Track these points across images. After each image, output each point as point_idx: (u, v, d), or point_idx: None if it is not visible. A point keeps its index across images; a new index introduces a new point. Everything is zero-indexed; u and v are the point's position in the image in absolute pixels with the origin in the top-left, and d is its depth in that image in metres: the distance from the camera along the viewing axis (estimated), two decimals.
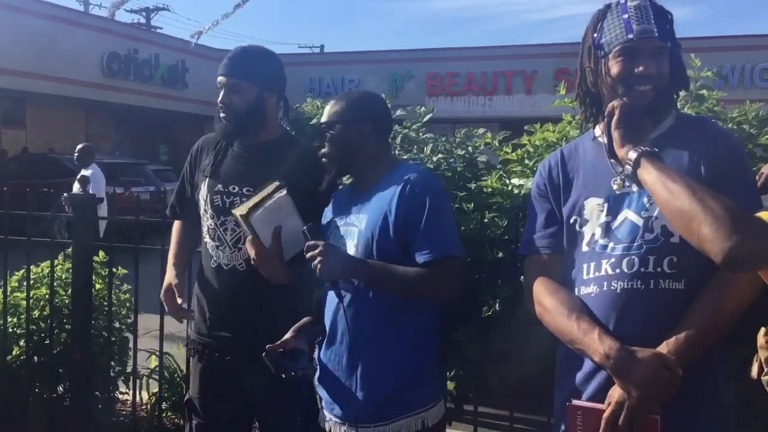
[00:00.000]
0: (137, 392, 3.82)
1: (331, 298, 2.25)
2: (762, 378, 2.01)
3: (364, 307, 2.17)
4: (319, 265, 2.12)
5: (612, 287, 1.83)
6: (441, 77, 24.39)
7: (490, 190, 2.92)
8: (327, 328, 2.28)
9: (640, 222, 1.84)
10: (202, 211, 2.66)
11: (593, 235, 1.90)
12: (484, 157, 3.33)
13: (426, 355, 2.22)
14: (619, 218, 1.88)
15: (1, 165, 16.06)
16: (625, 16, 1.89)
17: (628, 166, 1.73)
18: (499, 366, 2.75)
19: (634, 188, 1.87)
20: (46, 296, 3.84)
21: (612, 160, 1.87)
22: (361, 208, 2.26)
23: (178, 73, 23.20)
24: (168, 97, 22.83)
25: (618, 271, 1.83)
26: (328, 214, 2.40)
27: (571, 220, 1.96)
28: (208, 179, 2.64)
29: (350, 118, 2.28)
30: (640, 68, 1.88)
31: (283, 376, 2.22)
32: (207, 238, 2.65)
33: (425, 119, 3.33)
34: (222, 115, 2.60)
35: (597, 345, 1.77)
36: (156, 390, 3.94)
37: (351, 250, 2.21)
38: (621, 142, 1.77)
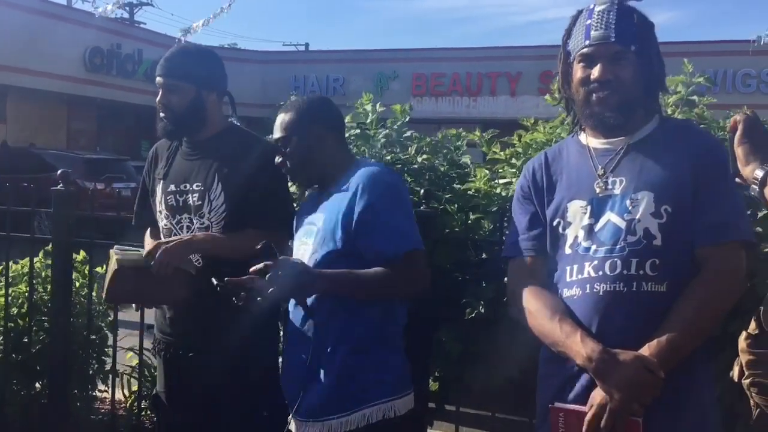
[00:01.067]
0: (116, 390, 3.78)
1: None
2: (743, 381, 2.02)
3: (322, 301, 2.16)
4: (274, 292, 1.98)
5: (594, 290, 1.84)
6: (426, 77, 24.45)
7: (474, 192, 2.91)
8: (288, 328, 2.29)
9: (622, 224, 1.85)
10: (157, 214, 2.70)
11: (576, 237, 1.91)
12: (468, 157, 3.32)
13: (389, 345, 2.20)
14: (602, 221, 1.88)
15: None
16: (588, 21, 1.92)
17: (754, 186, 1.61)
18: (482, 367, 2.76)
19: (617, 191, 1.88)
20: (25, 293, 3.79)
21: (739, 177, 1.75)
22: (320, 207, 2.26)
23: None
24: (151, 93, 22.19)
25: (600, 273, 1.84)
26: (298, 216, 2.43)
27: (554, 223, 1.96)
28: (162, 182, 2.68)
29: (304, 127, 2.27)
30: (594, 74, 1.91)
31: (234, 300, 2.07)
32: (163, 239, 2.65)
33: (406, 119, 3.32)
34: (161, 115, 2.63)
35: (579, 347, 1.78)
36: (135, 388, 3.91)
37: (309, 248, 2.21)
38: (745, 160, 1.62)
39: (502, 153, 3.01)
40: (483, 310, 2.65)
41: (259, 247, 2.05)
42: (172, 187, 2.64)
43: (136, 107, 22.48)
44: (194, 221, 2.59)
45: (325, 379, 2.15)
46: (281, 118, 2.31)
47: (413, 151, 3.13)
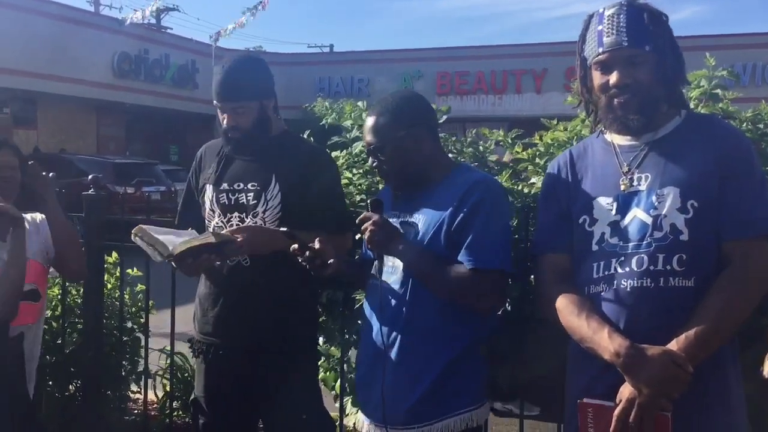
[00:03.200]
0: (148, 391, 3.83)
1: (375, 301, 2.24)
2: None
3: (414, 310, 2.14)
4: (368, 234, 2.11)
5: (622, 285, 1.85)
6: (450, 76, 24.38)
7: None
8: (367, 333, 2.27)
9: (649, 220, 1.85)
10: (207, 212, 2.68)
11: (603, 234, 1.92)
12: (495, 156, 3.32)
13: (474, 355, 2.18)
14: (628, 217, 1.89)
15: None
16: (599, 27, 1.93)
17: None
18: (509, 365, 2.75)
19: (642, 187, 1.88)
20: (58, 296, 3.86)
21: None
22: (417, 207, 2.20)
23: (188, 73, 23.28)
24: (178, 98, 22.90)
25: (628, 269, 1.85)
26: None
27: (581, 220, 1.97)
28: (214, 179, 2.67)
29: (401, 130, 2.18)
30: (612, 80, 1.92)
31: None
32: None
33: (442, 120, 3.32)
34: (229, 135, 2.61)
35: (607, 343, 1.79)
36: (168, 389, 3.96)
37: None
38: None
39: (524, 153, 3.00)
40: (509, 308, 2.65)
41: (369, 200, 2.24)
42: (225, 186, 2.64)
43: (165, 111, 22.74)
44: (246, 220, 2.59)
45: (418, 389, 2.13)
46: (373, 121, 2.22)
47: None
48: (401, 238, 2.13)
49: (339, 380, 3.20)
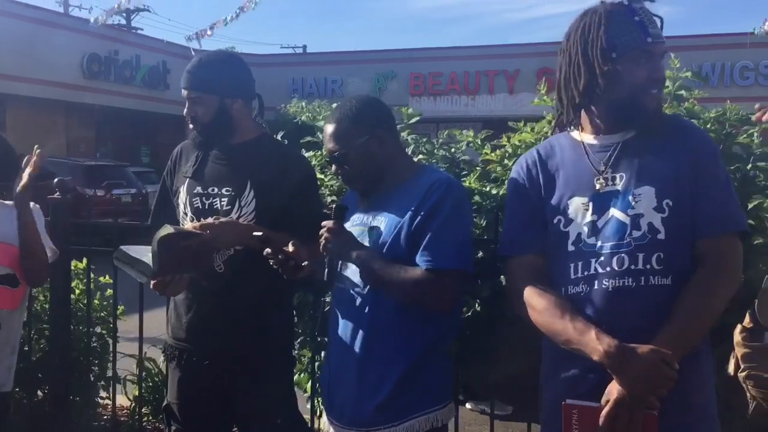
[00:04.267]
0: (118, 397, 3.79)
1: (340, 302, 2.24)
2: (739, 374, 2.03)
3: (377, 310, 2.14)
4: (322, 241, 2.13)
5: (603, 285, 1.84)
6: (424, 77, 24.44)
7: (468, 190, 2.92)
8: (334, 334, 2.26)
9: (627, 220, 1.86)
10: (181, 215, 2.64)
11: (579, 234, 1.91)
12: (467, 157, 3.33)
13: (438, 355, 2.18)
14: (605, 217, 1.89)
15: None
16: (636, 18, 1.89)
17: None
18: (480, 365, 2.76)
19: (618, 186, 1.88)
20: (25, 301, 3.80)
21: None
22: (380, 209, 2.20)
23: (159, 74, 23.09)
24: (149, 99, 22.71)
25: (608, 269, 1.84)
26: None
27: (555, 220, 1.96)
28: (187, 182, 2.64)
29: (363, 135, 2.19)
30: (658, 73, 1.90)
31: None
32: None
33: (411, 121, 3.32)
34: (191, 126, 2.62)
35: (595, 344, 1.78)
36: (136, 393, 3.92)
37: None
38: None
39: (493, 154, 3.01)
40: (479, 309, 2.66)
41: (333, 206, 2.24)
42: (199, 189, 2.60)
43: (135, 113, 22.52)
44: None
45: (382, 390, 2.12)
46: (333, 128, 2.22)
47: (409, 151, 3.13)
48: (356, 245, 2.14)
49: (310, 382, 3.19)
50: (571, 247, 1.92)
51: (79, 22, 21.08)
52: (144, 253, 2.39)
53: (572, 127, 2.05)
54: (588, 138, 1.99)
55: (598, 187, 1.91)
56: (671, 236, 1.84)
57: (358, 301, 2.17)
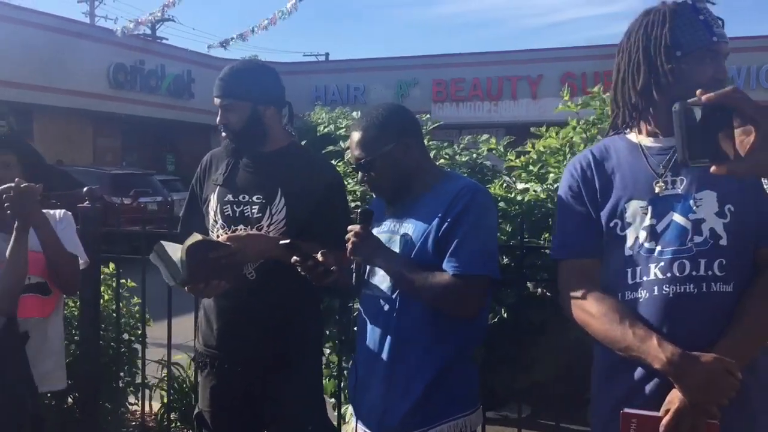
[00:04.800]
0: (146, 403, 3.83)
1: (368, 308, 2.25)
2: None
3: (405, 317, 2.15)
4: (350, 246, 2.14)
5: (664, 291, 1.80)
6: (446, 83, 24.41)
7: (494, 196, 2.93)
8: (362, 341, 2.27)
9: (688, 225, 1.81)
10: (211, 223, 2.65)
11: (637, 238, 1.86)
12: (489, 163, 3.34)
13: (465, 360, 2.19)
14: (665, 221, 1.84)
15: None
16: (701, 17, 1.86)
17: None
18: (504, 372, 2.76)
19: (679, 190, 1.84)
20: None
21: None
22: (407, 216, 2.21)
23: (183, 83, 23.30)
24: (174, 107, 22.91)
25: (669, 275, 1.80)
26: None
27: (612, 224, 1.91)
28: (218, 189, 2.64)
29: (390, 142, 2.20)
30: (722, 73, 1.87)
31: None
32: None
33: (431, 127, 3.34)
34: (223, 134, 2.63)
35: (657, 351, 1.74)
36: (165, 400, 3.96)
37: None
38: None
39: (517, 161, 3.01)
40: (506, 315, 2.66)
41: (359, 210, 2.26)
42: (230, 197, 2.60)
43: (160, 122, 22.74)
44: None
45: (411, 396, 2.13)
46: (360, 136, 2.24)
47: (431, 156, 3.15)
48: (383, 249, 2.15)
49: (337, 387, 3.20)
50: (628, 252, 1.87)
51: (105, 32, 21.32)
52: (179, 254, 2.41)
53: (628, 130, 2.00)
54: (646, 141, 1.94)
55: (657, 190, 1.86)
56: (733, 242, 1.79)
57: (386, 307, 2.18)
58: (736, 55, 20.92)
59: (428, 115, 3.37)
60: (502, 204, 2.85)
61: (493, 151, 3.30)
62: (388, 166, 2.21)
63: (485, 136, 3.41)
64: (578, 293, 1.92)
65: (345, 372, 3.10)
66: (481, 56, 24.71)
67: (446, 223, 2.10)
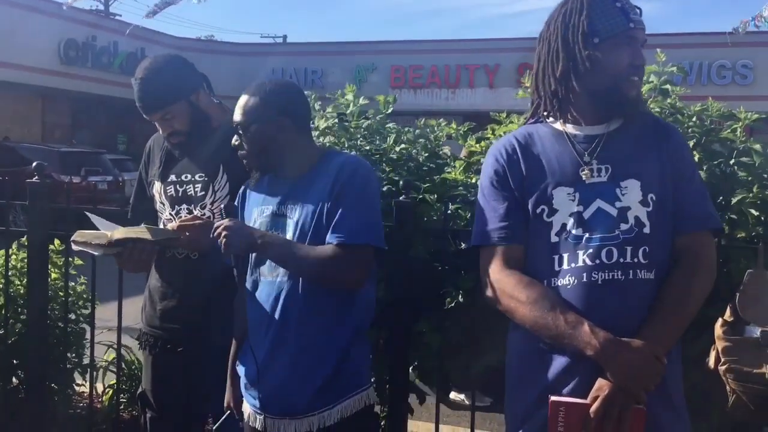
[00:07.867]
0: (94, 384, 3.76)
1: (259, 293, 2.21)
2: (719, 368, 2.05)
3: (300, 297, 2.12)
4: (223, 240, 2.11)
5: (592, 278, 1.82)
6: (404, 70, 24.40)
7: (454, 181, 2.92)
8: (258, 327, 2.20)
9: (614, 212, 1.84)
10: (158, 204, 2.66)
11: (564, 225, 1.87)
12: (448, 148, 3.33)
13: (363, 338, 2.23)
14: (591, 208, 1.86)
15: None
16: (618, 4, 1.89)
17: None
18: (461, 356, 2.77)
19: (604, 178, 1.87)
20: (0, 286, 3.75)
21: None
22: (290, 198, 2.19)
23: (137, 60, 22.72)
24: (127, 86, 21.87)
25: (597, 261, 1.82)
26: (248, 204, 2.33)
27: (539, 210, 1.90)
28: (161, 171, 2.66)
29: (267, 116, 2.18)
30: (640, 59, 1.90)
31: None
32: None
33: (389, 111, 3.31)
34: (173, 141, 2.60)
35: (589, 338, 1.75)
36: (113, 382, 3.89)
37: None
38: None
39: (477, 145, 3.01)
40: (462, 300, 2.66)
41: (224, 206, 2.26)
42: (173, 178, 2.62)
43: (112, 100, 22.23)
44: (194, 212, 2.56)
45: (317, 375, 2.12)
46: (244, 101, 2.22)
47: (392, 141, 3.13)
48: (257, 234, 2.14)
49: None
50: (554, 238, 1.87)
51: (56, 6, 20.76)
52: (106, 226, 2.44)
53: (550, 118, 2.01)
54: (571, 128, 1.96)
55: (583, 177, 1.88)
56: (655, 231, 1.84)
57: (278, 290, 2.15)
58: (689, 51, 21.38)
59: (392, 97, 3.33)
60: (461, 189, 2.85)
61: (452, 137, 3.29)
62: (258, 137, 2.19)
63: (443, 121, 3.40)
64: (505, 280, 1.90)
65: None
66: (440, 44, 24.76)
67: (330, 202, 2.11)
